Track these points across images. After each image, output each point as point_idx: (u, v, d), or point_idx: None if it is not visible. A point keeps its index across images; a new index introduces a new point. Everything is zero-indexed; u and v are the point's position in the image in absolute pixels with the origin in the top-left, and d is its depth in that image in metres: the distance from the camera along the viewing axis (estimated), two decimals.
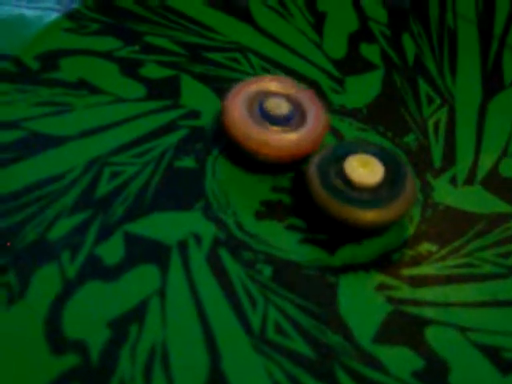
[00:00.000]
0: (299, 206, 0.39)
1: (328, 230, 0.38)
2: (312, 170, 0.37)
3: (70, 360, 0.32)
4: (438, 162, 0.41)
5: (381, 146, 0.38)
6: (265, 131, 0.38)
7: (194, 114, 0.42)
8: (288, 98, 0.40)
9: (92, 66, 0.43)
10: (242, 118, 0.38)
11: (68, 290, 0.35)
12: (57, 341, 0.33)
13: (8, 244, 0.35)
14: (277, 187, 0.39)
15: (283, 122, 0.39)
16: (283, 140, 0.38)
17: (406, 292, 0.36)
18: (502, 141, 0.42)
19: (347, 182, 0.37)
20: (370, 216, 0.36)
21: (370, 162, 0.37)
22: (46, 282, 0.35)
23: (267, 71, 0.44)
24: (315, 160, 0.38)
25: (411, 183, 0.37)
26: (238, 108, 0.39)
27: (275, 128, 0.39)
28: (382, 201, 0.36)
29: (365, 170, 0.37)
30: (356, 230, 0.38)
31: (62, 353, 0.32)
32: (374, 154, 0.38)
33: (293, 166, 0.40)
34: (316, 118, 0.39)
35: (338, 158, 0.38)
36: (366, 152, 0.38)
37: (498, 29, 0.47)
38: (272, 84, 0.40)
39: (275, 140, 0.38)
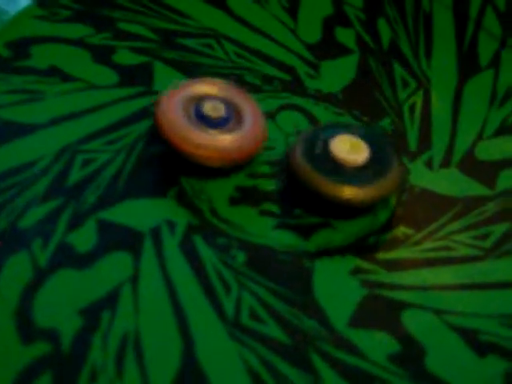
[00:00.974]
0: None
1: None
2: (298, 152, 0.37)
3: (41, 348, 0.32)
4: (413, 145, 0.41)
5: (366, 127, 0.38)
6: (201, 134, 0.37)
7: None
8: (224, 100, 0.39)
9: (64, 53, 0.42)
10: (178, 121, 0.38)
11: (39, 278, 0.34)
12: (27, 329, 0.32)
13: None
14: (252, 173, 0.39)
15: (220, 124, 0.38)
16: (220, 142, 0.37)
17: (382, 276, 0.36)
18: (477, 123, 0.42)
19: (335, 161, 0.37)
20: (359, 193, 0.36)
21: (355, 142, 0.37)
22: (16, 270, 0.34)
23: (241, 57, 0.43)
24: (300, 143, 0.38)
25: (397, 161, 0.37)
26: (173, 111, 0.38)
27: (212, 131, 0.38)
28: (371, 178, 0.36)
29: (351, 150, 0.37)
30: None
31: (33, 341, 0.32)
32: (360, 135, 0.38)
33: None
34: (253, 119, 0.38)
35: (324, 139, 0.38)
36: (352, 133, 0.38)
37: (473, 11, 0.46)
38: (207, 87, 0.39)
39: (211, 142, 0.37)
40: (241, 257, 0.36)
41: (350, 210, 0.38)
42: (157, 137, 0.40)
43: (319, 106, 0.42)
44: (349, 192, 0.36)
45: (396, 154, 0.38)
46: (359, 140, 0.38)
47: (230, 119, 0.38)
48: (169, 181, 0.38)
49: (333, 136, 0.38)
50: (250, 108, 0.39)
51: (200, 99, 0.39)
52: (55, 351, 0.32)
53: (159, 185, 0.38)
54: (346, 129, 0.38)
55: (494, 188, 0.39)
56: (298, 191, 0.38)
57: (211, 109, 0.38)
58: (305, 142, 0.37)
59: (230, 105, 0.39)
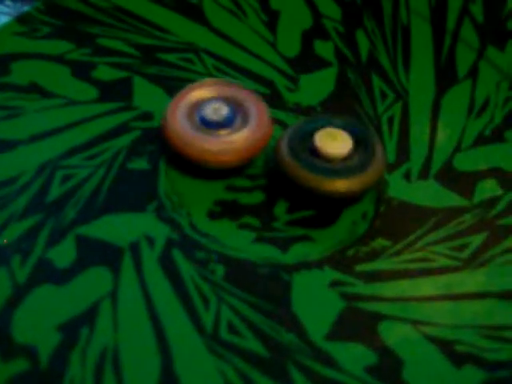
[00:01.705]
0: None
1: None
2: (283, 147, 0.38)
3: (19, 365, 0.32)
4: (392, 157, 0.41)
5: (348, 119, 0.39)
6: (204, 138, 0.38)
7: (147, 116, 0.41)
8: (228, 100, 0.40)
9: (43, 70, 0.42)
10: (183, 128, 0.38)
11: (18, 294, 0.34)
12: (6, 346, 0.32)
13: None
14: (231, 186, 0.39)
15: (223, 125, 0.39)
16: (225, 144, 0.38)
17: (360, 288, 0.36)
18: (455, 135, 0.42)
19: (318, 155, 0.38)
20: (343, 184, 0.37)
21: (338, 134, 0.38)
22: None
23: (221, 71, 0.43)
24: (284, 138, 0.38)
25: (380, 152, 0.38)
26: (177, 119, 0.38)
27: (217, 133, 0.38)
28: (355, 169, 0.37)
29: (334, 142, 0.38)
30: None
31: (12, 358, 0.32)
32: (342, 127, 0.39)
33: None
34: (259, 117, 0.39)
35: (307, 133, 0.39)
36: (334, 125, 0.39)
37: (450, 23, 0.47)
38: (211, 89, 0.40)
39: (216, 145, 0.38)
40: (220, 270, 0.36)
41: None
42: (137, 151, 0.40)
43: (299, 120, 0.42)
44: (335, 184, 0.37)
45: (379, 143, 0.39)
46: (342, 132, 0.38)
47: (235, 118, 0.39)
48: (148, 195, 0.38)
49: (316, 129, 0.39)
50: (253, 103, 0.39)
51: (202, 103, 0.39)
52: (34, 368, 0.32)
53: (138, 199, 0.38)
54: (328, 121, 0.39)
55: (471, 199, 0.39)
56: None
57: (212, 111, 0.39)
58: (289, 138, 0.38)
59: (233, 103, 0.39)
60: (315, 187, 0.37)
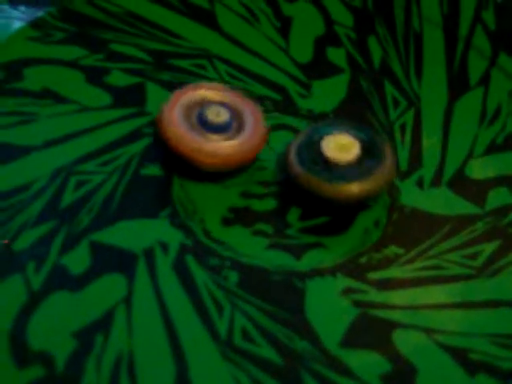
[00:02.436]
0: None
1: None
2: (292, 157, 0.38)
3: (35, 372, 0.32)
4: (404, 164, 0.41)
5: (355, 124, 0.39)
6: (201, 140, 0.38)
7: None
8: (226, 105, 0.40)
9: (57, 75, 0.43)
10: (179, 127, 0.38)
11: (33, 301, 0.34)
12: (21, 353, 0.33)
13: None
14: (244, 193, 0.39)
15: (221, 129, 0.39)
16: (221, 148, 0.38)
17: (373, 295, 0.36)
18: (467, 142, 0.42)
19: (328, 162, 0.38)
20: (354, 189, 0.37)
21: (345, 139, 0.38)
22: (10, 294, 0.34)
23: (233, 77, 0.44)
24: (293, 147, 0.39)
25: (390, 155, 0.39)
26: (175, 118, 0.38)
27: (214, 136, 0.38)
28: (364, 174, 0.38)
29: (342, 148, 0.38)
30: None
31: (27, 365, 0.32)
32: (349, 132, 0.39)
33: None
34: (254, 124, 0.39)
35: (315, 140, 0.39)
36: (341, 131, 0.39)
37: (463, 30, 0.47)
38: (209, 92, 0.40)
39: (213, 148, 0.38)
40: (233, 277, 0.36)
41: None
42: (150, 157, 0.40)
43: None
44: (343, 189, 0.37)
45: (388, 147, 0.39)
46: (349, 138, 0.39)
47: (231, 124, 0.39)
48: (161, 202, 0.38)
49: (323, 137, 0.39)
50: (249, 111, 0.40)
51: (202, 104, 0.39)
52: (49, 374, 0.32)
53: (152, 206, 0.38)
54: (336, 128, 0.39)
55: (483, 207, 0.40)
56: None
57: (212, 114, 0.39)
58: (298, 146, 0.39)
59: (230, 109, 0.40)
60: (325, 193, 0.37)
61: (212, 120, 0.39)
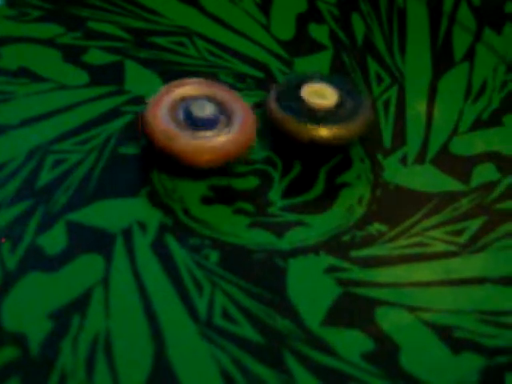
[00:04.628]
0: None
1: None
2: (273, 103, 0.39)
3: (9, 353, 0.31)
4: (388, 141, 0.40)
5: (333, 75, 0.40)
6: (188, 136, 0.37)
7: (139, 100, 0.41)
8: (212, 100, 0.39)
9: (34, 54, 0.42)
10: (165, 124, 0.37)
11: (8, 281, 0.34)
12: None
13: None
14: (225, 171, 0.39)
15: (209, 124, 0.38)
16: (209, 144, 0.37)
17: (356, 273, 0.36)
18: (452, 118, 0.41)
19: (306, 106, 0.39)
20: (329, 132, 0.38)
21: (323, 88, 0.39)
22: None
23: (214, 55, 0.43)
24: (272, 94, 0.39)
25: (367, 102, 0.39)
26: (159, 116, 0.37)
27: (202, 133, 0.37)
28: (343, 118, 0.38)
29: (320, 94, 0.39)
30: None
31: (1, 346, 0.31)
32: (328, 82, 0.40)
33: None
34: (243, 119, 0.38)
35: (294, 88, 0.39)
36: (320, 80, 0.40)
37: (447, 6, 0.46)
38: (195, 87, 0.39)
39: (202, 145, 0.37)
40: (214, 256, 0.36)
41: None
42: (128, 135, 0.39)
43: None
44: (323, 132, 0.38)
45: (366, 94, 0.40)
46: (328, 86, 0.39)
47: (219, 118, 0.38)
48: (140, 181, 0.38)
49: (303, 84, 0.39)
50: (238, 105, 0.38)
51: (186, 101, 0.38)
52: (23, 356, 0.31)
53: (131, 185, 0.37)
54: (315, 78, 0.40)
55: (468, 183, 0.39)
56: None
57: (197, 109, 0.38)
58: (278, 93, 0.39)
59: (217, 103, 0.39)
60: (303, 135, 0.38)
61: (197, 115, 0.37)
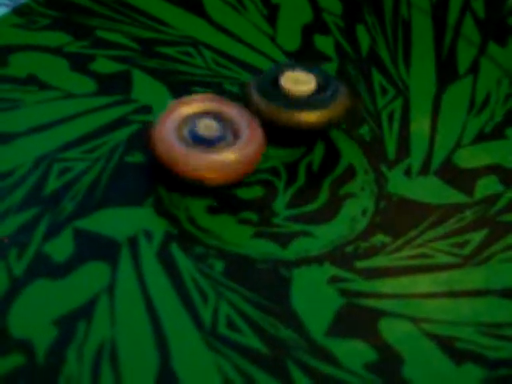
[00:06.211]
0: None
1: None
2: (252, 90, 0.40)
3: (15, 360, 0.32)
4: (392, 153, 0.41)
5: (312, 66, 0.41)
6: (194, 156, 0.37)
7: (146, 109, 0.41)
8: (219, 117, 0.39)
9: (42, 62, 0.42)
10: (172, 143, 0.37)
11: (15, 288, 0.34)
12: (1, 341, 0.32)
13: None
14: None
15: (215, 143, 0.38)
16: (215, 163, 0.37)
17: (359, 284, 0.36)
18: (456, 131, 0.42)
19: (285, 94, 0.40)
20: (308, 117, 0.39)
21: (302, 75, 0.40)
22: None
23: (220, 65, 0.43)
24: (252, 83, 0.40)
25: (344, 89, 0.41)
26: (167, 134, 0.37)
27: (208, 151, 0.37)
28: (317, 105, 0.40)
29: (298, 82, 0.40)
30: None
31: (7, 353, 0.32)
32: (305, 70, 0.41)
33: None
34: (250, 135, 0.38)
35: (274, 77, 0.41)
36: (299, 70, 0.41)
37: (452, 18, 0.46)
38: (202, 104, 0.39)
39: (206, 164, 0.37)
40: (218, 266, 0.36)
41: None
42: (135, 144, 0.40)
43: None
44: (298, 116, 0.39)
45: (343, 82, 0.41)
46: (306, 74, 0.41)
47: (226, 137, 0.38)
48: (146, 189, 0.38)
49: (282, 73, 0.41)
50: (245, 122, 0.39)
51: (193, 118, 0.38)
52: (29, 363, 0.32)
53: (136, 193, 0.38)
54: (293, 67, 0.41)
55: (472, 196, 0.39)
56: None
57: (205, 128, 0.38)
58: (257, 82, 0.40)
59: (224, 121, 0.39)
60: (282, 120, 0.39)
61: (203, 134, 0.38)
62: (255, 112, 0.40)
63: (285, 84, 0.40)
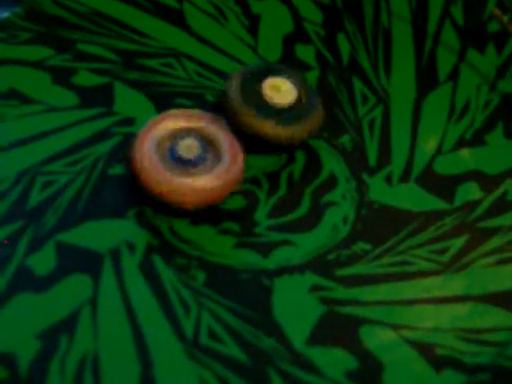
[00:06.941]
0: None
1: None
2: (234, 93, 0.40)
3: None
4: (373, 160, 0.41)
5: (291, 71, 0.41)
6: (173, 178, 0.37)
7: (128, 121, 0.41)
8: (200, 135, 0.39)
9: (23, 76, 0.42)
10: (152, 165, 0.37)
11: None
12: None
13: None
14: None
15: (195, 164, 0.37)
16: (195, 186, 0.37)
17: (340, 292, 0.36)
18: (436, 138, 0.42)
19: (267, 103, 0.40)
20: (294, 130, 0.39)
21: (283, 84, 0.41)
22: None
23: (202, 76, 0.43)
24: (232, 87, 0.40)
25: (319, 104, 0.41)
26: (147, 152, 0.37)
27: (187, 173, 0.37)
28: (296, 118, 0.40)
29: (281, 90, 0.40)
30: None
31: None
32: (285, 77, 0.41)
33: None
34: (231, 160, 0.38)
35: (256, 79, 0.41)
36: (278, 75, 0.41)
37: (431, 26, 0.47)
38: (181, 120, 0.39)
39: (187, 187, 0.37)
40: (201, 277, 0.36)
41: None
42: (118, 157, 0.40)
43: None
44: (271, 130, 0.39)
45: (318, 97, 0.41)
46: (288, 83, 0.41)
47: (206, 157, 0.38)
48: (128, 201, 0.38)
49: (263, 80, 0.41)
50: (227, 142, 0.39)
51: (173, 137, 0.38)
52: (12, 376, 0.32)
53: (119, 205, 0.38)
54: (273, 72, 0.41)
55: (452, 202, 0.39)
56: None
57: (185, 149, 0.38)
58: (239, 81, 0.40)
59: (205, 140, 0.39)
60: (254, 129, 0.39)
61: (183, 155, 0.38)
62: (234, 117, 0.39)
63: (266, 91, 0.40)
